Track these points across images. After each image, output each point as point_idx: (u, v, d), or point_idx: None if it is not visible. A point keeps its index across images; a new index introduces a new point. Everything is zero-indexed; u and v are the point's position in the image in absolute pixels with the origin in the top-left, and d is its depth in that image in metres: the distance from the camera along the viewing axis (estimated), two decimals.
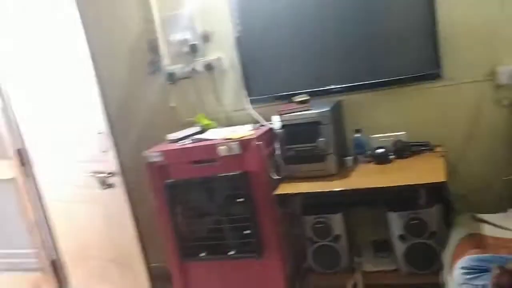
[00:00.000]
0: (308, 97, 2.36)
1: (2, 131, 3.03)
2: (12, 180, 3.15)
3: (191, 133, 2.58)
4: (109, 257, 2.87)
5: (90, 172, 2.66)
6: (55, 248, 3.22)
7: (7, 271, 3.46)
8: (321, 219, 2.30)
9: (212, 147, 2.31)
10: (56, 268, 3.24)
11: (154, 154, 2.42)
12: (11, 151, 3.05)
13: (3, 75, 2.95)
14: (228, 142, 2.30)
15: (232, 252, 2.37)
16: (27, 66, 2.83)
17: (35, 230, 3.20)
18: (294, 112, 2.29)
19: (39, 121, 2.93)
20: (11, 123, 3.02)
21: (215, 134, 2.48)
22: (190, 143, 2.44)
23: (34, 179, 3.11)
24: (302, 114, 2.26)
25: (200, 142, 2.42)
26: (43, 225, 3.19)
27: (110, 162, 2.56)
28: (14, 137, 3.03)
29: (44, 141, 2.95)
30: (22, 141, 3.04)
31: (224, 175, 2.31)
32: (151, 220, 2.66)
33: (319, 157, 2.23)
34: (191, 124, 2.67)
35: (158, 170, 2.42)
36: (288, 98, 2.43)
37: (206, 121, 2.67)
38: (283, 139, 2.32)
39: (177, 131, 2.59)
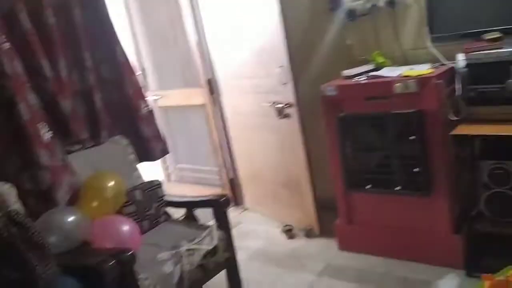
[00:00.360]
0: (500, 35, 2.17)
1: (197, 62, 3.49)
2: (202, 106, 3.65)
3: (366, 70, 2.61)
4: (280, 181, 3.18)
5: (269, 103, 2.93)
6: (233, 168, 3.69)
7: (194, 184, 4.08)
8: (501, 165, 2.17)
9: (387, 84, 2.33)
10: (234, 186, 3.72)
11: (329, 88, 2.54)
12: (203, 81, 3.52)
13: (199, 13, 3.36)
14: (405, 79, 2.29)
15: (398, 188, 2.43)
16: (218, 4, 3.16)
17: (218, 152, 3.69)
18: (483, 50, 2.14)
19: (228, 54, 3.28)
20: (204, 56, 3.45)
21: (391, 71, 2.48)
22: (365, 79, 2.49)
23: (220, 106, 3.55)
24: (493, 52, 2.10)
25: (375, 79, 2.45)
26: (225, 147, 3.66)
27: (288, 94, 2.78)
28: (206, 68, 3.48)
29: (231, 73, 3.31)
30: (213, 72, 3.47)
31: (398, 113, 2.33)
32: (321, 151, 2.84)
33: (509, 99, 2.08)
34: (366, 62, 2.70)
35: (332, 103, 2.55)
36: (476, 35, 2.27)
37: (381, 59, 2.67)
38: (466, 79, 2.20)
39: (352, 68, 2.65)
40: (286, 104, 2.82)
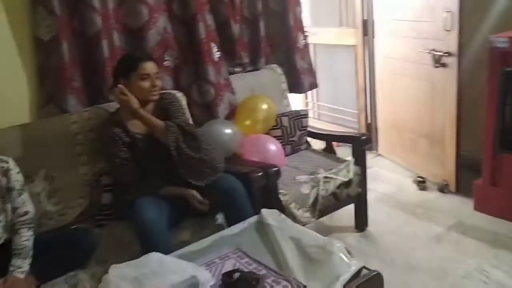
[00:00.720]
0: None
1: (356, 1, 3.45)
2: (353, 47, 3.65)
3: None
4: (421, 131, 3.12)
5: (426, 49, 2.82)
6: (373, 113, 3.69)
7: (330, 123, 4.18)
8: None
9: None
10: (370, 131, 3.73)
11: (500, 39, 2.36)
12: (359, 21, 3.49)
13: None
14: None
15: None
16: None
17: (361, 94, 3.70)
18: None
19: None
20: None
21: None
22: None
23: (371, 49, 3.51)
24: None
25: None
26: (368, 91, 3.65)
27: (450, 42, 2.65)
28: (364, 8, 3.43)
29: (391, 15, 3.22)
30: (371, 13, 3.41)
31: None
32: (473, 106, 2.71)
33: None
34: None
35: (500, 56, 2.38)
36: None
37: None
38: None
39: None
40: (445, 53, 2.69)
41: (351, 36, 3.61)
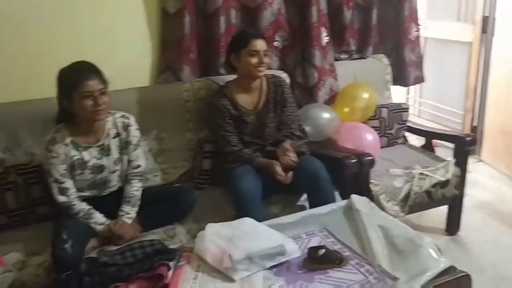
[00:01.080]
0: None
1: None
2: (468, 44, 3.44)
3: None
4: None
5: None
6: (481, 116, 3.46)
7: (432, 121, 3.97)
8: None
9: None
10: (475, 135, 3.51)
11: None
12: (478, 17, 3.28)
13: None
14: None
15: None
16: None
17: (471, 95, 3.49)
18: None
19: None
20: None
21: None
22: None
23: (488, 47, 3.29)
24: None
25: None
26: (479, 92, 3.43)
27: None
28: (486, 4, 3.21)
29: None
30: (493, 9, 3.19)
31: None
32: None
33: None
34: None
35: None
36: None
37: None
38: None
39: None
40: None
41: (467, 32, 3.40)
